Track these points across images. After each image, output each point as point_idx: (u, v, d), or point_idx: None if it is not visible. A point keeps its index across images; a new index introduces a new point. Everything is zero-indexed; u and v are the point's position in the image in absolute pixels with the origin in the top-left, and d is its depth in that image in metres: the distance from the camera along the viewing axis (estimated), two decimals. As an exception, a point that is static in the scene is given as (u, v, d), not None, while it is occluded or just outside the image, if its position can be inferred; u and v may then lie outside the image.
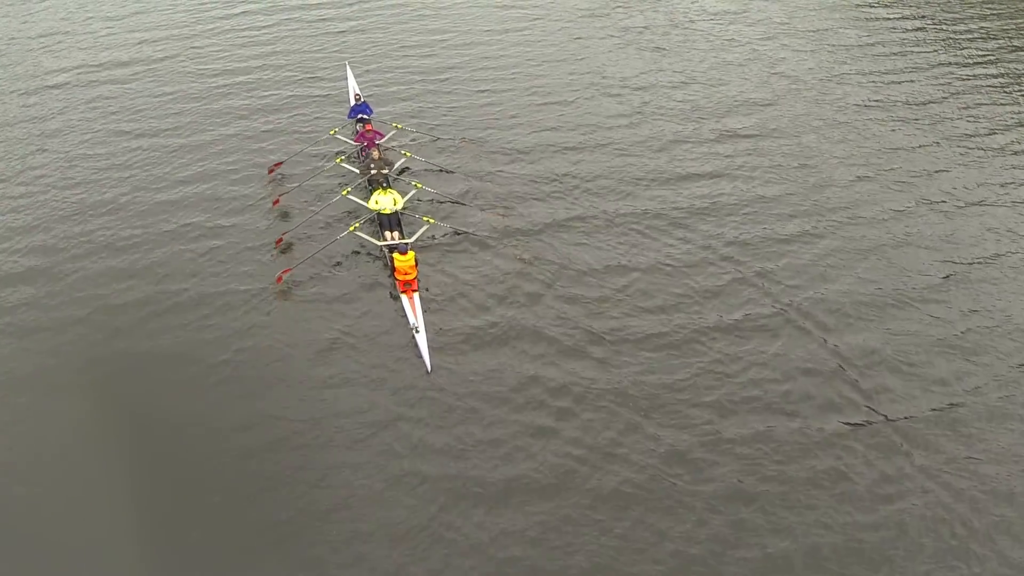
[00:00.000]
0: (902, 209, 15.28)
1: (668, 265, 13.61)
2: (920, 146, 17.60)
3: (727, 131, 17.90)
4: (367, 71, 20.68)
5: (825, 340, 11.97)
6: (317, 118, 18.25)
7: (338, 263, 13.48)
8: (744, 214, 14.97)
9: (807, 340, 11.97)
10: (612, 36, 22.89)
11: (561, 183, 15.89)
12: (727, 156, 16.92)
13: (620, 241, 14.21)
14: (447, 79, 20.33)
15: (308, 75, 20.62)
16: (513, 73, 20.70)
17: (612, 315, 12.48)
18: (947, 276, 13.56)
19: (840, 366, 11.51)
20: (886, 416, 10.78)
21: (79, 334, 11.99)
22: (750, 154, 17.05)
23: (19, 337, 11.97)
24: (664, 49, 22.08)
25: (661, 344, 11.93)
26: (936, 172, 16.63)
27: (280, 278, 12.81)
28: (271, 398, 10.86)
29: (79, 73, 20.77)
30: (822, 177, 16.23)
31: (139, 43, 22.82)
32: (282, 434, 10.34)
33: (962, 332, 12.32)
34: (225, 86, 20.00)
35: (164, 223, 14.42)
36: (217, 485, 9.73)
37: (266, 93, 19.59)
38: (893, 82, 20.57)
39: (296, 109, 18.76)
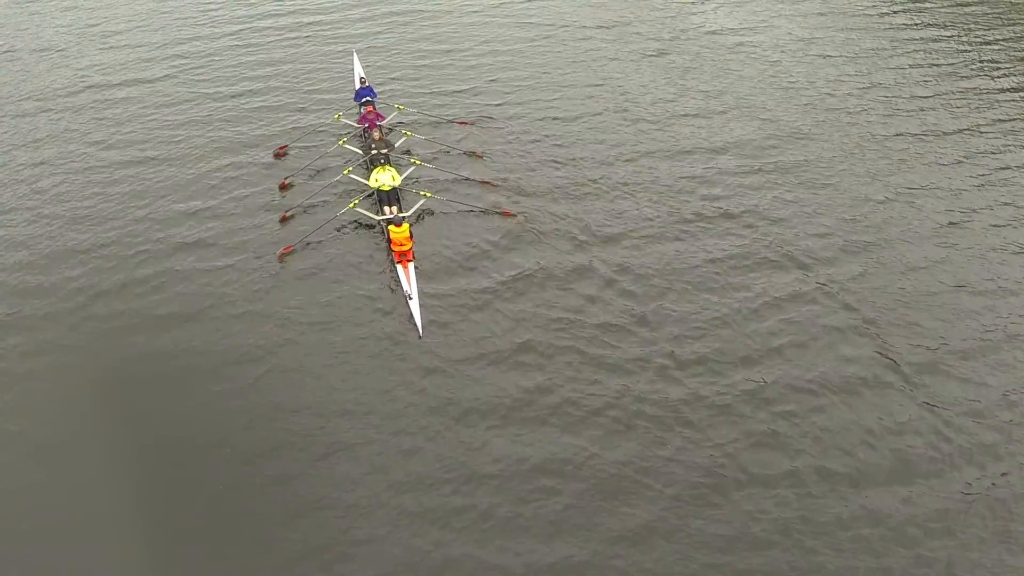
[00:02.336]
0: (940, 229, 14.36)
1: (670, 235, 14.09)
2: (951, 163, 16.51)
3: (745, 147, 16.98)
4: (375, 66, 21.27)
5: (876, 360, 11.49)
6: (323, 104, 18.86)
7: (338, 238, 14.05)
8: (768, 233, 14.15)
9: (850, 358, 11.50)
10: (625, 46, 22.26)
11: (560, 159, 16.40)
12: (750, 174, 15.96)
13: (619, 211, 14.65)
14: (453, 75, 20.62)
15: (315, 64, 21.30)
16: (522, 73, 20.60)
17: (601, 283, 12.89)
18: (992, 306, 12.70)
19: (890, 386, 11.05)
20: (953, 445, 10.26)
21: (82, 316, 12.42)
22: (774, 172, 15.98)
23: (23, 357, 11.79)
24: (677, 62, 21.08)
25: (657, 305, 12.39)
26: (965, 191, 15.57)
27: (282, 255, 13.47)
28: (271, 367, 11.37)
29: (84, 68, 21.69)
30: (853, 197, 15.18)
31: (146, 33, 23.74)
32: (281, 404, 10.77)
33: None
34: (232, 76, 20.76)
35: (169, 204, 15.07)
36: (223, 467, 9.99)
37: (272, 81, 20.31)
38: (920, 97, 19.35)
39: (303, 96, 19.40)
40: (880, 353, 11.59)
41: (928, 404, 10.78)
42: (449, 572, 8.76)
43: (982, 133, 17.87)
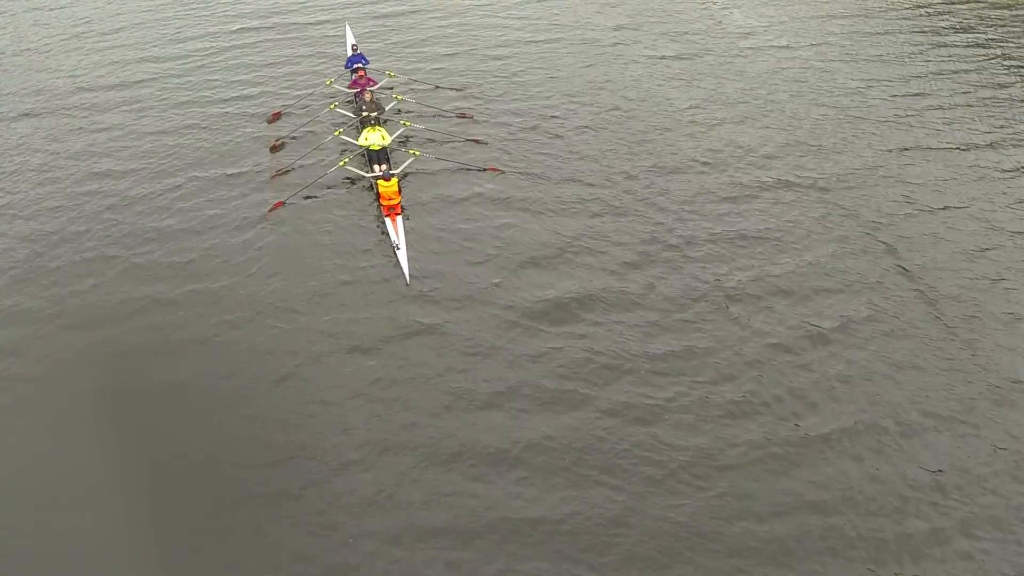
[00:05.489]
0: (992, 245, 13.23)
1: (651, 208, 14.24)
2: (999, 176, 15.15)
3: (767, 148, 15.87)
4: (368, 36, 21.49)
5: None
6: (315, 71, 19.14)
7: (327, 194, 14.26)
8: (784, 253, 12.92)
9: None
10: (635, 35, 21.58)
11: (550, 121, 16.66)
12: (763, 186, 14.71)
13: (609, 177, 14.71)
14: (445, 47, 20.83)
15: (308, 33, 21.65)
16: (519, 48, 20.64)
17: (587, 241, 13.03)
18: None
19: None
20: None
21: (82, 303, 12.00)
22: (797, 176, 14.80)
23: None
24: (692, 54, 20.40)
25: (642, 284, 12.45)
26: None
27: (271, 210, 13.67)
28: (263, 312, 11.55)
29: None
30: (892, 220, 13.77)
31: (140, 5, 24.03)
32: (272, 348, 10.84)
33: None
34: (226, 46, 21.07)
35: (166, 165, 15.34)
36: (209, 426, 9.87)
37: (265, 50, 20.60)
38: (959, 106, 17.94)
39: (296, 65, 19.67)
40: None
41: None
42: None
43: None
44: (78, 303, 11.95)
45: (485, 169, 14.70)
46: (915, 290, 12.10)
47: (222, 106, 17.75)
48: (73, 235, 13.44)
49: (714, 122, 16.82)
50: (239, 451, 9.54)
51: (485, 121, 16.64)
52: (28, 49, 21.71)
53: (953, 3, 25.08)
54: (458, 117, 16.66)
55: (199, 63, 20.09)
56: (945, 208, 14.14)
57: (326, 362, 10.68)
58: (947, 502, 8.97)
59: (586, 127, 16.54)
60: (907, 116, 17.38)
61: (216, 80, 19.08)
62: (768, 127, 16.71)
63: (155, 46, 21.40)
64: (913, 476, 9.23)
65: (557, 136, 16.15)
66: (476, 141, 15.63)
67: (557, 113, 17.09)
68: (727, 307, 11.66)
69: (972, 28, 23.20)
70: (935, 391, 10.36)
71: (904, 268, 12.58)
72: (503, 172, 14.66)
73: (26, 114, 17.85)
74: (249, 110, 17.48)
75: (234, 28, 22.36)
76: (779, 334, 11.19)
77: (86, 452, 9.59)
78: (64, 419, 10.04)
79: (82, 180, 15.06)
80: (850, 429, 9.74)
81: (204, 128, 16.66)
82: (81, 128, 17.03)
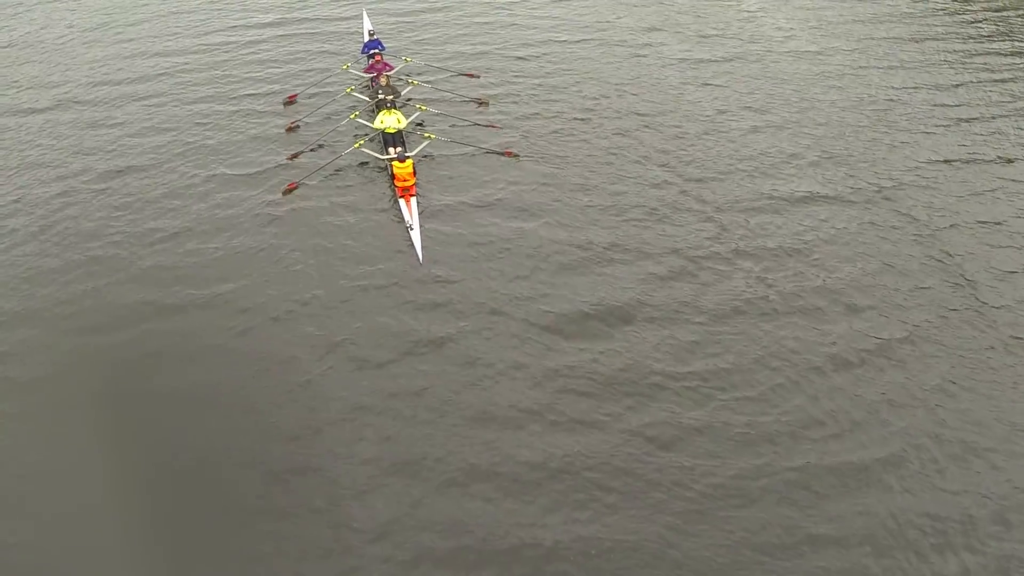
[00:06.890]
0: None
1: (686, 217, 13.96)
2: None
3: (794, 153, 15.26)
4: (386, 23, 21.48)
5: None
6: (332, 56, 19.11)
7: (342, 175, 14.23)
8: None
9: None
10: (658, 35, 21.07)
11: (568, 109, 16.54)
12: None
13: (624, 165, 14.51)
14: (462, 37, 20.66)
15: (326, 20, 21.68)
16: (537, 38, 20.54)
17: (592, 227, 12.85)
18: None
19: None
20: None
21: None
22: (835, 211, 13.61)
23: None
24: (713, 46, 20.18)
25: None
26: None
27: (286, 191, 13.65)
28: (275, 308, 11.21)
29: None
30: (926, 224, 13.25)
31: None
32: (282, 350, 10.49)
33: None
34: (244, 37, 21.02)
35: (180, 153, 15.25)
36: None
37: (284, 40, 20.53)
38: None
39: (313, 51, 19.63)
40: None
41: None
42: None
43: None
44: (89, 302, 11.47)
45: (501, 153, 14.60)
46: (967, 308, 11.42)
47: (239, 95, 17.49)
48: (85, 231, 13.02)
49: (748, 127, 16.21)
50: (247, 463, 9.09)
51: (502, 108, 16.53)
52: (47, 41, 21.66)
53: (995, 9, 24.43)
54: (474, 102, 16.59)
55: (217, 56, 19.76)
56: (994, 221, 13.43)
57: (338, 365, 10.20)
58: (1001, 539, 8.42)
59: (608, 123, 16.18)
60: (950, 125, 16.65)
61: (233, 70, 18.83)
62: (806, 134, 15.99)
63: (173, 38, 21.25)
64: (962, 509, 8.68)
65: (577, 128, 15.92)
66: (492, 127, 15.54)
67: (579, 106, 16.83)
68: (764, 323, 11.03)
69: (1015, 34, 22.44)
70: (986, 418, 9.73)
71: (955, 285, 11.85)
72: (519, 157, 14.55)
73: (43, 108, 17.51)
74: (267, 97, 17.31)
75: (252, 20, 22.28)
76: (821, 353, 10.51)
77: (91, 458, 9.27)
78: (70, 425, 9.70)
79: (95, 175, 14.63)
80: (894, 458, 9.15)
81: (220, 116, 16.50)
82: (96, 122, 16.73)
